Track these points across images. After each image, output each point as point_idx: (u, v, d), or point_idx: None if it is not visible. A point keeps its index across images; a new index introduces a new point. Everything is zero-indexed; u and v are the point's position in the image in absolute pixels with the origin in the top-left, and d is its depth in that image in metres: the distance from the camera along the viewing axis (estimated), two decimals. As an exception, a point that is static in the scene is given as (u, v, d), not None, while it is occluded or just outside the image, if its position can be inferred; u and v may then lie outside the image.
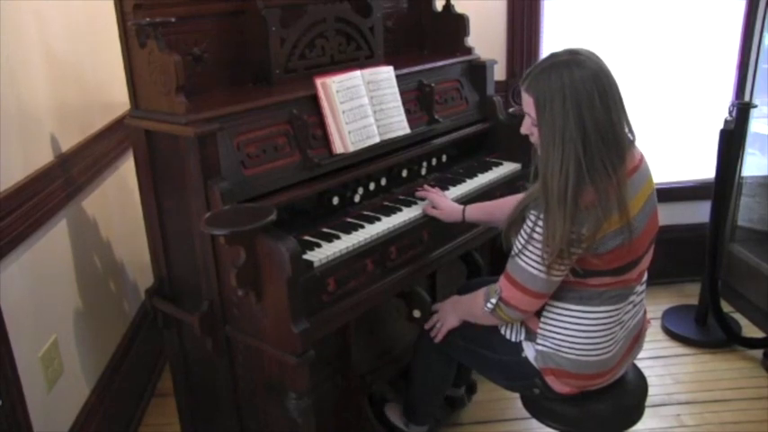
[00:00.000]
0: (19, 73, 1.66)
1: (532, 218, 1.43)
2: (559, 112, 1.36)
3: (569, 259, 1.41)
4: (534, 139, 1.48)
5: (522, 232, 1.46)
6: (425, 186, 1.93)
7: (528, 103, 1.44)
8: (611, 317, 1.51)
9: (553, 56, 1.42)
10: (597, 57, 1.42)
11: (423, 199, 1.87)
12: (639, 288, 1.58)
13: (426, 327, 1.81)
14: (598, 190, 1.37)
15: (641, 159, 1.50)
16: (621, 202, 1.38)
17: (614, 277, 1.47)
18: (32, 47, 1.76)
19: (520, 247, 1.47)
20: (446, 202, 1.83)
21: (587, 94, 1.35)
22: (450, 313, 1.75)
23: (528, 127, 1.49)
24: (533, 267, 1.45)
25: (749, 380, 2.44)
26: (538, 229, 1.42)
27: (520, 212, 1.49)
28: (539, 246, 1.42)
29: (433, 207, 1.81)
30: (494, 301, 1.54)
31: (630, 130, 1.46)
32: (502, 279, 1.53)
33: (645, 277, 1.59)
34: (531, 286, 1.47)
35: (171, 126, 1.51)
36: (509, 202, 1.77)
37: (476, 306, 1.61)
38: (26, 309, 1.63)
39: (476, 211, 1.82)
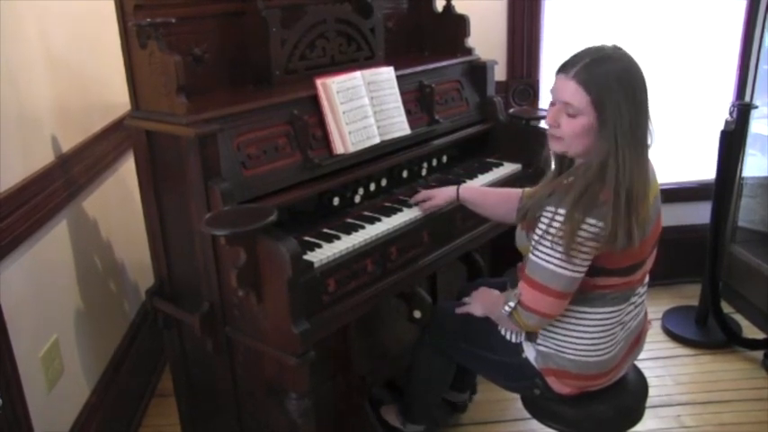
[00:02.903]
0: (19, 74, 1.66)
1: (549, 214, 1.41)
2: (615, 101, 1.36)
3: (585, 253, 1.39)
4: (558, 132, 1.44)
5: (538, 229, 1.44)
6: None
7: (573, 91, 1.39)
8: (612, 318, 1.51)
9: (599, 48, 1.42)
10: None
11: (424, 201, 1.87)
12: (641, 289, 1.58)
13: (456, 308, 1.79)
14: (615, 186, 1.36)
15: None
16: (633, 204, 1.38)
17: (621, 278, 1.47)
18: (33, 48, 1.76)
19: (534, 243, 1.45)
20: (438, 189, 1.85)
21: (637, 86, 1.38)
22: (478, 302, 1.72)
23: (554, 117, 1.44)
24: (552, 264, 1.41)
25: (749, 381, 2.44)
26: (555, 224, 1.39)
27: (537, 209, 1.47)
28: (555, 240, 1.40)
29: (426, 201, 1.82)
30: (512, 304, 1.49)
31: (651, 135, 1.45)
32: (521, 282, 1.50)
33: (647, 279, 1.59)
34: (552, 284, 1.42)
35: (171, 126, 1.51)
36: (507, 192, 1.80)
37: (497, 306, 1.57)
38: (27, 309, 1.63)
39: (471, 192, 1.84)
